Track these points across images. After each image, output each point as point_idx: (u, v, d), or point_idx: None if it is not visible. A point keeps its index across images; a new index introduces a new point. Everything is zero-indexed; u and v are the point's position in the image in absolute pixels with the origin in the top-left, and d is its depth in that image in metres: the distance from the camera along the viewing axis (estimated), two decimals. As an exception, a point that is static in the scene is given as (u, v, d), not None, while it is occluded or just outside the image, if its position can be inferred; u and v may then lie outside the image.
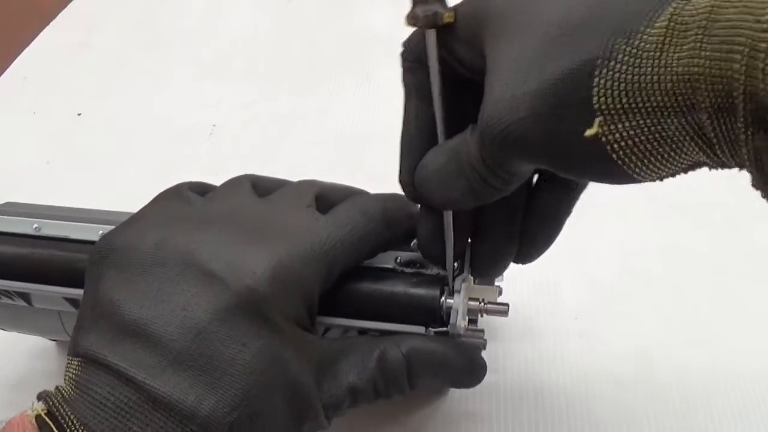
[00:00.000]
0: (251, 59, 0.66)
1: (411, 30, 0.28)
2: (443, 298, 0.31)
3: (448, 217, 0.29)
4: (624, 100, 0.20)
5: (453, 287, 0.31)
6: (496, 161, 0.24)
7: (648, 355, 0.40)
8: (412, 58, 0.28)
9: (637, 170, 0.21)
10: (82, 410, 0.25)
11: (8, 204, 0.38)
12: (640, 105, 0.20)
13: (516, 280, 0.38)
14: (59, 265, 0.33)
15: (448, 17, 0.26)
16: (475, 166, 0.25)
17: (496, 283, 0.35)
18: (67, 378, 0.27)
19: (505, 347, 0.41)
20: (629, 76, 0.20)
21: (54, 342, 0.43)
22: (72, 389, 0.26)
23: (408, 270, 0.32)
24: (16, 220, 0.35)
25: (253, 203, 0.31)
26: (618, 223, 0.47)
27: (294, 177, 0.34)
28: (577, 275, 0.44)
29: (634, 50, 0.20)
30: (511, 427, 0.37)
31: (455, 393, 0.39)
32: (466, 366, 0.31)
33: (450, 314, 0.30)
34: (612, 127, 0.21)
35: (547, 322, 0.42)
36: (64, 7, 0.76)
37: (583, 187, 0.29)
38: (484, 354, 0.32)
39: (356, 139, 0.56)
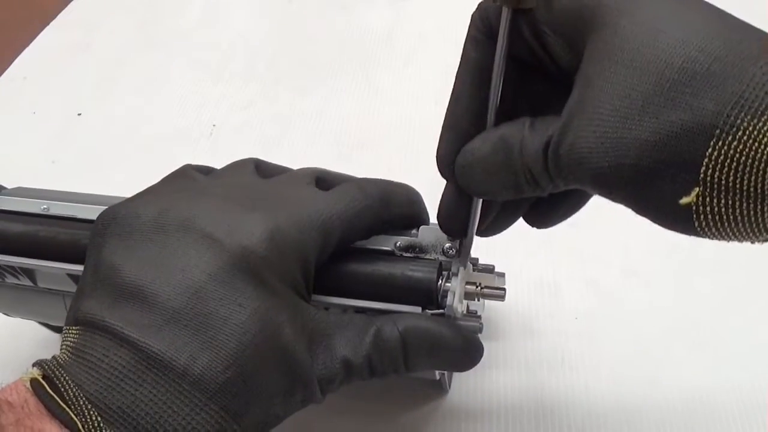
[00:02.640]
0: (251, 59, 0.66)
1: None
2: (440, 282, 0.31)
3: (478, 201, 0.30)
4: (731, 179, 0.19)
5: (465, 263, 0.32)
6: (562, 176, 0.24)
7: (648, 356, 0.39)
8: (483, 28, 0.26)
9: (709, 234, 0.21)
10: (76, 372, 0.25)
11: (20, 188, 0.39)
12: (746, 187, 0.19)
13: (516, 280, 0.38)
14: (64, 242, 0.34)
15: (530, 1, 0.24)
16: (531, 168, 0.24)
17: (499, 282, 0.35)
18: (64, 347, 0.27)
19: (505, 347, 0.41)
20: (744, 158, 0.19)
21: (58, 334, 0.43)
22: (68, 355, 0.26)
23: (407, 254, 0.32)
24: (25, 201, 0.36)
25: (255, 180, 0.32)
26: (618, 223, 0.47)
27: (294, 177, 0.34)
28: (577, 276, 0.44)
29: (757, 132, 0.19)
30: (511, 428, 0.37)
31: (455, 393, 0.39)
32: (462, 346, 0.31)
33: (447, 297, 0.31)
34: (708, 199, 0.20)
35: (547, 323, 0.42)
36: (64, 7, 0.76)
37: None
38: (485, 355, 0.32)
39: (356, 139, 0.56)
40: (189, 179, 0.32)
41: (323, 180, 0.33)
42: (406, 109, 0.59)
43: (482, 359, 0.32)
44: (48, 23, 0.74)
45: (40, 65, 0.69)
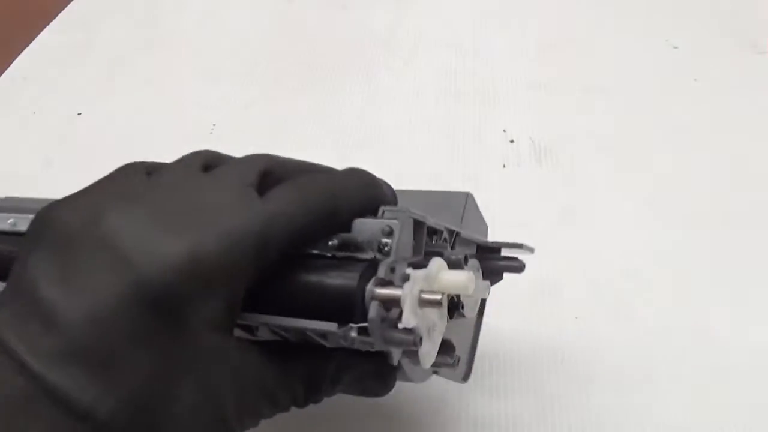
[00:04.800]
0: (251, 59, 0.66)
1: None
2: (368, 286, 0.26)
3: None
4: None
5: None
6: None
7: (648, 355, 0.39)
8: None
9: None
10: None
11: (7, 199, 0.37)
12: None
13: (516, 280, 0.38)
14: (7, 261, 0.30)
15: None
16: None
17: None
18: None
19: (505, 347, 0.41)
20: None
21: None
22: None
23: (340, 254, 0.28)
24: None
25: (193, 180, 0.29)
26: (618, 223, 0.47)
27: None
28: (577, 275, 0.44)
29: None
30: (511, 428, 0.37)
31: (454, 392, 0.39)
32: (383, 375, 0.29)
33: (371, 308, 0.25)
34: None
35: (547, 322, 0.42)
36: (64, 7, 0.76)
37: None
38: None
39: (356, 139, 0.56)
40: (129, 180, 0.30)
41: (271, 173, 0.29)
42: (406, 109, 0.59)
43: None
44: (48, 23, 0.74)
45: (40, 65, 0.69)
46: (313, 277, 0.27)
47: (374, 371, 0.30)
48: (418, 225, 0.30)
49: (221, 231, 0.26)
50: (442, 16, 0.68)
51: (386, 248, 0.27)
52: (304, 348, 0.28)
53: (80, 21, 0.74)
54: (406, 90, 0.61)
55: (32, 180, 0.56)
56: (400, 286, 0.26)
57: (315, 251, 0.28)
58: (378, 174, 0.34)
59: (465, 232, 0.35)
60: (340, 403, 0.30)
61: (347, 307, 0.26)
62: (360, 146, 0.56)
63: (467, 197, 0.37)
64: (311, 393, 0.28)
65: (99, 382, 0.23)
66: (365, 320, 0.25)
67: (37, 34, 0.72)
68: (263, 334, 0.29)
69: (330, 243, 0.28)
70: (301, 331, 0.28)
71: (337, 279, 0.26)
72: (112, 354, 0.23)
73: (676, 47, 0.61)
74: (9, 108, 0.64)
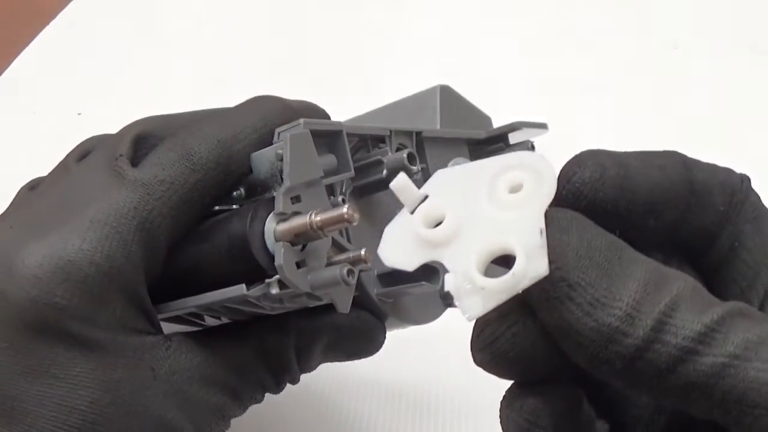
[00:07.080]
0: (251, 59, 0.66)
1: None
2: (267, 226, 0.21)
3: None
4: None
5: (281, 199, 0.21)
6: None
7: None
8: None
9: None
10: None
11: None
12: None
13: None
14: None
15: None
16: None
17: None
18: None
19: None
20: None
21: None
22: None
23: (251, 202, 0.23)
24: None
25: (64, 176, 0.26)
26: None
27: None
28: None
29: None
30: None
31: (452, 388, 0.39)
32: (364, 332, 0.26)
33: (276, 253, 0.20)
34: None
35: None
36: (64, 7, 0.76)
37: None
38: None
39: (356, 139, 0.56)
40: (11, 203, 0.27)
41: (148, 137, 0.25)
42: (406, 109, 0.59)
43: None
44: (48, 23, 0.74)
45: (40, 65, 0.69)
46: (210, 240, 0.22)
47: (350, 329, 0.25)
48: (332, 136, 0.25)
49: (89, 220, 0.21)
50: (442, 16, 0.68)
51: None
52: (253, 326, 0.24)
53: (80, 21, 0.74)
54: (406, 91, 0.61)
55: (32, 180, 0.56)
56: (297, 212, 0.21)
57: (217, 208, 0.24)
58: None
59: (426, 129, 0.29)
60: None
61: (251, 261, 0.21)
62: (360, 146, 0.56)
63: (439, 90, 0.32)
64: (280, 373, 0.24)
65: None
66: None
67: (37, 34, 0.72)
68: (211, 322, 0.25)
69: (235, 194, 0.24)
70: (221, 308, 0.23)
71: (228, 229, 0.21)
72: (12, 401, 0.20)
73: (676, 47, 0.61)
74: (9, 108, 0.64)
